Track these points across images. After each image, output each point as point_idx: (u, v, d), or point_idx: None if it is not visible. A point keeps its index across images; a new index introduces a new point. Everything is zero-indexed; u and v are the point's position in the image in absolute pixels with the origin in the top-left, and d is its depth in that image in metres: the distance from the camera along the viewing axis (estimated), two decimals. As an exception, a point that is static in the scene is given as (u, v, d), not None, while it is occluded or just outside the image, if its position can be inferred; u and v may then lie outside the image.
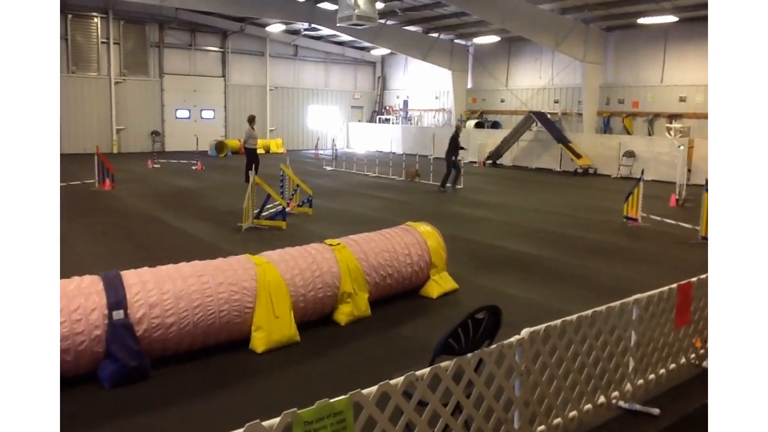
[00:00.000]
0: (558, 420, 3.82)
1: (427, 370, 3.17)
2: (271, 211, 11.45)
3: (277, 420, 2.65)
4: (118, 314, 4.66)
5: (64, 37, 26.74)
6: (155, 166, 21.98)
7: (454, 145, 17.04)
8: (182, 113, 30.48)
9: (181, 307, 4.97)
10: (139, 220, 11.74)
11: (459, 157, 17.39)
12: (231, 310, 5.21)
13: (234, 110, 32.07)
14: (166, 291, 4.98)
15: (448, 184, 17.17)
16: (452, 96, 31.32)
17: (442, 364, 3.24)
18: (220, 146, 28.07)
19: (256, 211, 10.92)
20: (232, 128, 31.89)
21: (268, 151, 29.62)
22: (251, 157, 16.97)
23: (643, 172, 12.85)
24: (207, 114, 31.37)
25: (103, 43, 27.82)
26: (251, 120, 17.72)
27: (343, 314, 6.00)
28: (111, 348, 4.60)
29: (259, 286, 5.40)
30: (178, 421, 4.22)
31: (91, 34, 27.69)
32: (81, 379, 4.64)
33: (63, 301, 4.58)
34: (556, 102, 27.68)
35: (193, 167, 21.76)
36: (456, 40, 30.59)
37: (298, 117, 34.77)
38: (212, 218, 11.87)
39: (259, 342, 5.28)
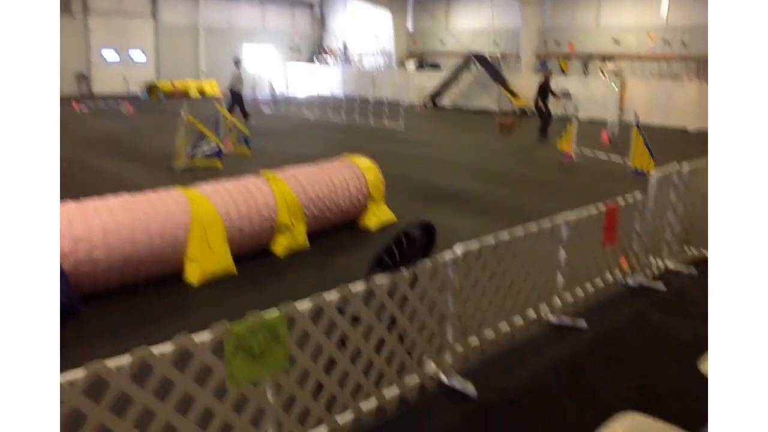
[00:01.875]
0: (490, 333, 3.95)
1: (361, 285, 3.19)
2: (206, 151, 11.11)
3: (207, 334, 2.62)
4: (41, 248, 4.46)
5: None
6: (83, 111, 20.86)
7: (546, 92, 15.76)
8: (110, 55, 28.83)
9: (110, 242, 4.80)
10: (63, 162, 11.17)
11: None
12: (163, 244, 5.08)
13: (166, 51, 30.57)
14: (94, 225, 4.79)
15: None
16: (392, 38, 30.80)
17: (377, 280, 3.26)
18: (151, 89, 26.85)
19: (187, 149, 10.57)
20: (165, 70, 30.45)
21: (203, 93, 28.55)
22: (237, 100, 16.63)
23: (576, 109, 13.12)
24: (137, 56, 29.79)
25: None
26: (237, 62, 17.25)
27: (281, 246, 5.96)
28: (36, 283, 4.41)
29: (193, 219, 5.27)
30: (108, 355, 4.11)
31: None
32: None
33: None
34: (495, 44, 27.67)
35: (123, 111, 20.78)
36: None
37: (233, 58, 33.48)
38: (145, 161, 11.43)
39: (193, 274, 5.18)
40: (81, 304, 4.68)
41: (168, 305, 4.90)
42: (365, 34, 33.51)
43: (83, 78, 27.88)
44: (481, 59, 24.63)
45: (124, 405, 2.38)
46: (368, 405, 3.21)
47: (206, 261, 5.23)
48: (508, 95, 23.29)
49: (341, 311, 3.13)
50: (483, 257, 3.84)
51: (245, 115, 16.79)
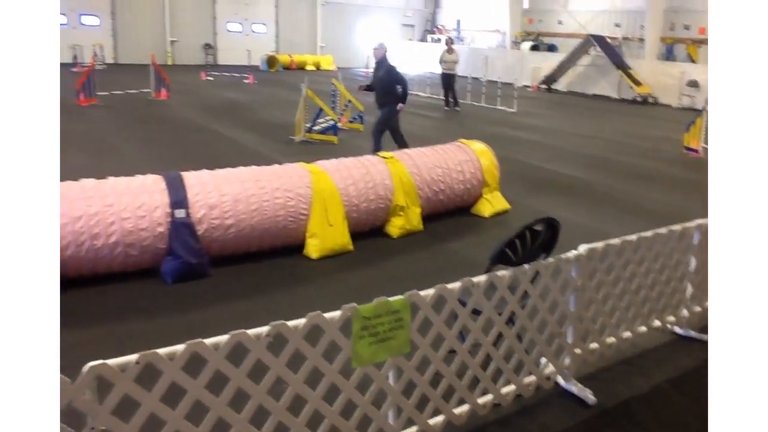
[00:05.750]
0: (611, 339, 3.82)
1: (483, 277, 3.19)
2: (323, 125, 11.42)
3: (337, 313, 2.72)
4: (180, 213, 4.81)
5: (118, -54, 26.44)
6: (208, 78, 22.05)
7: None
8: (234, 27, 30.19)
9: (239, 210, 5.08)
10: (192, 129, 11.91)
11: None
12: (287, 216, 5.31)
13: (285, 25, 31.55)
14: (225, 193, 5.08)
15: None
16: (507, 16, 29.96)
17: (498, 273, 3.24)
18: (271, 61, 27.86)
19: (308, 125, 10.92)
20: (284, 43, 31.48)
21: (318, 68, 29.27)
22: (448, 82, 16.53)
23: (707, 102, 12.22)
24: (258, 28, 30.99)
25: (155, -48, 27.42)
26: (450, 44, 17.04)
27: (395, 227, 6.05)
28: (173, 245, 4.77)
29: (314, 193, 5.46)
30: (229, 317, 4.39)
31: (143, -57, 27.29)
32: (145, 274, 4.86)
33: (127, 197, 4.74)
34: (617, 26, 26.20)
35: (245, 81, 21.74)
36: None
37: (348, 34, 34.01)
38: (263, 130, 11.93)
39: (313, 248, 5.39)
40: (210, 267, 5.00)
41: (288, 275, 5.13)
42: (479, 13, 32.81)
43: (210, 48, 29.39)
44: (601, 41, 23.41)
45: (259, 372, 2.53)
46: (484, 399, 3.22)
47: (325, 236, 5.42)
48: (629, 82, 22.05)
49: (462, 302, 3.15)
50: (608, 258, 3.71)
51: (453, 101, 16.56)
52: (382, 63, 9.13)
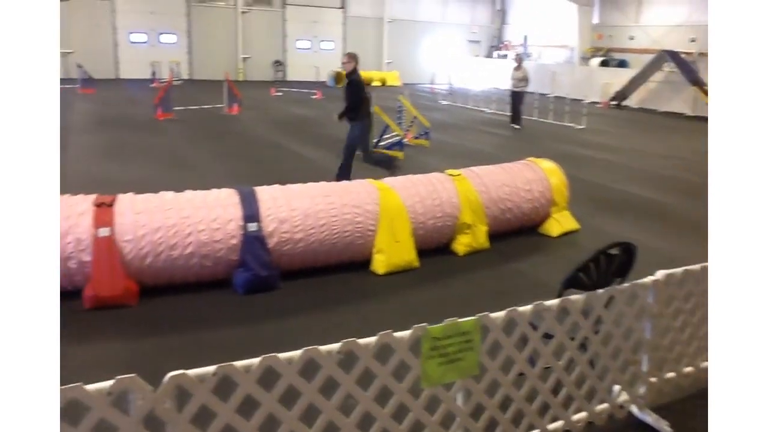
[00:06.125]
0: (689, 369, 3.66)
1: (556, 301, 3.12)
2: (389, 141, 11.52)
3: (407, 333, 2.73)
4: (252, 226, 4.95)
5: (196, -33, 27.72)
6: (277, 94, 22.68)
7: None
8: (303, 44, 31.00)
9: (308, 225, 5.18)
10: (262, 144, 12.26)
11: None
12: (354, 231, 5.37)
13: (352, 42, 32.10)
14: (295, 208, 5.20)
15: None
16: (576, 32, 29.42)
17: (572, 297, 3.17)
18: (338, 77, 28.36)
19: (374, 141, 11.03)
20: (350, 60, 32.02)
21: (384, 84, 29.59)
22: (516, 99, 16.10)
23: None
24: (326, 45, 31.70)
25: (230, -28, 28.57)
26: (519, 61, 16.43)
27: (462, 245, 6.01)
28: (245, 257, 4.91)
29: (382, 210, 5.51)
30: (300, 330, 4.48)
31: (219, -36, 28.49)
32: (217, 284, 5.02)
33: (203, 210, 4.92)
34: (692, 41, 25.24)
35: (313, 96, 22.24)
36: (585, -29, 28.45)
37: (414, 50, 34.27)
38: (330, 146, 12.13)
39: (380, 264, 5.43)
40: (279, 280, 5.11)
41: (355, 290, 5.19)
42: (547, 28, 32.39)
43: (279, 65, 30.27)
44: (675, 57, 22.60)
45: (330, 388, 2.55)
46: (554, 425, 3.15)
47: (392, 252, 5.45)
48: (706, 99, 21.17)
49: (533, 326, 3.09)
50: (686, 285, 3.56)
51: (517, 118, 16.13)
52: (351, 75, 8.13)
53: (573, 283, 3.49)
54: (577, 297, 3.18)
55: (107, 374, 4.07)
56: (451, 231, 6.01)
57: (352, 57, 8.07)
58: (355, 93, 8.01)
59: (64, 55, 24.60)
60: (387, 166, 8.47)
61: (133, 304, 4.67)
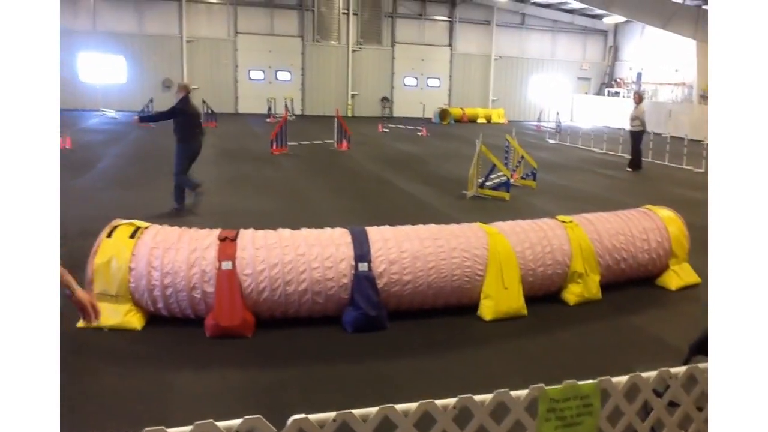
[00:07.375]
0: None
1: (682, 368, 2.95)
2: (495, 181, 11.46)
3: (523, 392, 2.67)
4: (363, 266, 5.07)
5: (311, 9, 29.29)
6: (384, 130, 23.26)
7: None
8: (410, 81, 31.71)
9: (417, 267, 5.23)
10: (370, 180, 12.58)
11: None
12: (462, 275, 5.36)
13: (458, 79, 32.46)
14: (405, 250, 5.27)
15: None
16: (695, 69, 27.98)
17: (700, 365, 2.98)
18: (443, 114, 28.70)
19: (480, 180, 11.01)
20: (456, 96, 32.34)
21: (489, 121, 29.57)
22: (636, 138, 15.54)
23: None
24: (432, 82, 32.24)
25: (343, 13, 29.96)
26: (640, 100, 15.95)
27: (573, 294, 5.82)
28: (355, 296, 5.03)
29: (491, 255, 5.46)
30: (408, 373, 4.49)
31: (333, 6, 29.95)
32: (327, 321, 5.17)
33: (317, 248, 5.11)
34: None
35: (419, 133, 22.59)
36: (704, 6, 27.09)
37: (520, 87, 34.05)
38: (436, 183, 12.25)
39: (487, 310, 5.37)
40: (386, 320, 5.18)
41: (462, 335, 5.15)
42: (662, 65, 31.08)
43: (386, 101, 31.11)
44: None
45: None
46: (679, 503, 2.94)
47: (500, 298, 5.37)
48: None
49: (657, 393, 2.93)
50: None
51: (636, 162, 15.50)
52: (180, 103, 9.05)
53: (702, 348, 3.28)
54: (705, 365, 2.98)
55: (227, 402, 4.27)
56: (561, 279, 5.84)
57: (182, 87, 9.27)
58: (182, 117, 9.06)
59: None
60: (190, 188, 9.23)
61: (249, 335, 4.90)
